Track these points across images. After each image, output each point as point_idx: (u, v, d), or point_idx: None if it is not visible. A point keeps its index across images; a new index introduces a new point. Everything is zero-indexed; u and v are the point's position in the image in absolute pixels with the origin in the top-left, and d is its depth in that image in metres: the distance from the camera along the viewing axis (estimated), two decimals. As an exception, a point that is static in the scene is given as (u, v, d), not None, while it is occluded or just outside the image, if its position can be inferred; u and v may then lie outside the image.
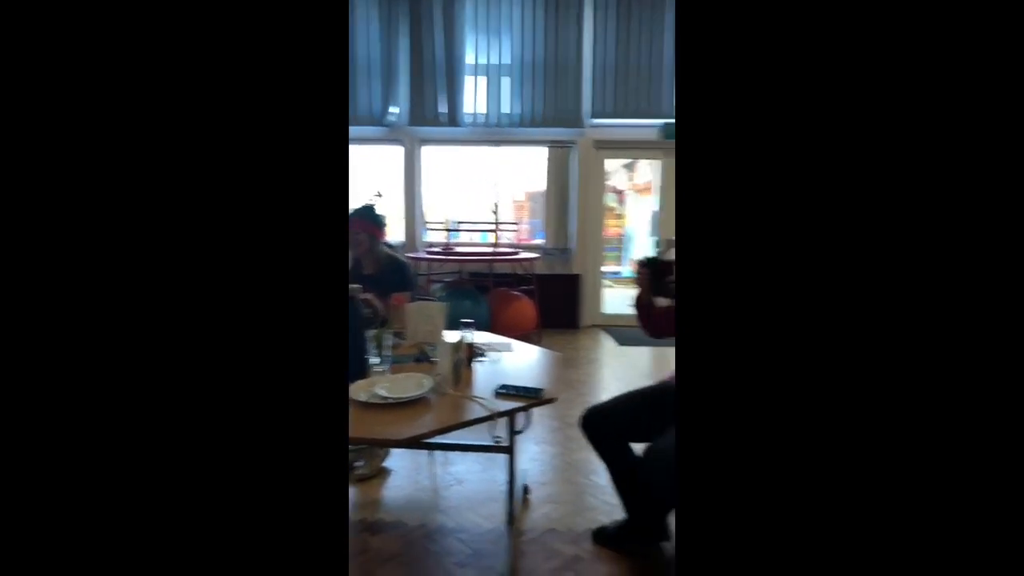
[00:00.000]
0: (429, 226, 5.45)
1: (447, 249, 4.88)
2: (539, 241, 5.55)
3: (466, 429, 1.34)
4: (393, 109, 5.11)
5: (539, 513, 1.95)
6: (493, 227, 4.96)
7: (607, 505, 1.98)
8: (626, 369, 3.91)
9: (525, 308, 4.50)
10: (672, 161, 5.17)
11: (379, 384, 1.47)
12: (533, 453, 2.45)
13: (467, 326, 1.75)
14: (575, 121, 5.11)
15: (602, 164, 5.35)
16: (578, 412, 1.74)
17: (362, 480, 2.18)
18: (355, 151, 5.05)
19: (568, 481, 2.19)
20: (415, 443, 1.52)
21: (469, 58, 5.08)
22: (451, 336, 1.74)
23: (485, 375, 1.67)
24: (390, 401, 1.38)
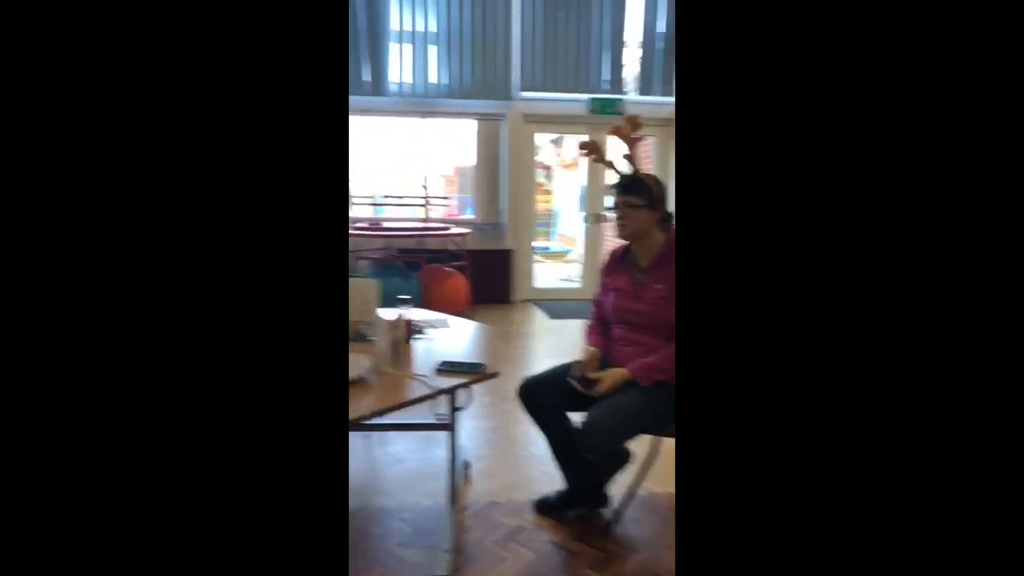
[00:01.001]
0: (354, 201, 5.23)
1: (374, 224, 4.71)
2: (469, 216, 5.48)
3: (403, 408, 1.30)
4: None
5: (480, 487, 1.96)
6: (423, 201, 4.84)
7: (546, 476, 2.01)
8: (559, 342, 3.98)
9: (458, 284, 4.45)
10: (600, 137, 5.24)
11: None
12: (470, 428, 2.45)
13: (404, 303, 1.70)
14: (504, 93, 5.04)
15: (532, 138, 5.34)
16: (513, 386, 1.74)
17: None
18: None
19: (507, 454, 2.22)
20: (354, 426, 1.46)
21: (393, 24, 4.85)
22: (388, 314, 1.68)
23: (424, 353, 1.63)
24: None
